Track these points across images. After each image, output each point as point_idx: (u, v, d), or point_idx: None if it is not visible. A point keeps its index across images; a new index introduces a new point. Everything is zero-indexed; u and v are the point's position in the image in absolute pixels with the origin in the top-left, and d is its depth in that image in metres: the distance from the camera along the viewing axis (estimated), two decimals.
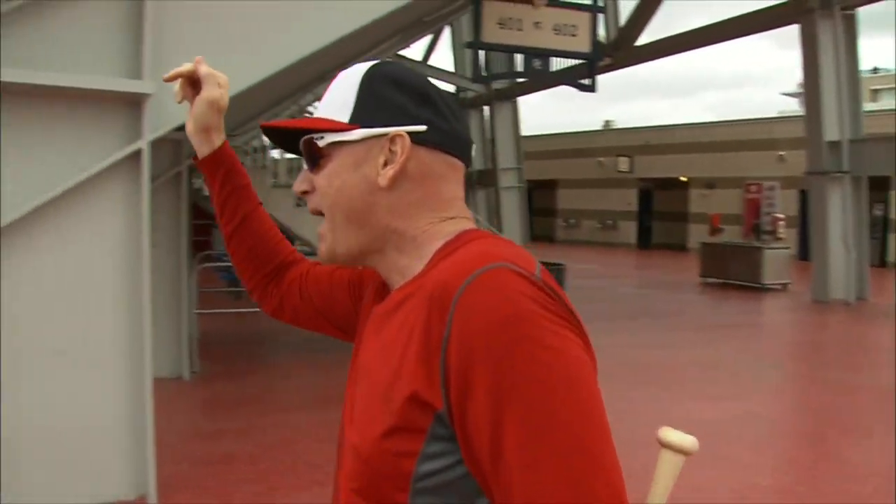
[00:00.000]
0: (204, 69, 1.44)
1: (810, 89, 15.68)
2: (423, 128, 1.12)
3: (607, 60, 16.35)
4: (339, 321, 1.45)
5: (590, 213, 35.06)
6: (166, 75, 1.45)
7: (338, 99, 1.16)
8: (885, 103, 48.49)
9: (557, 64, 11.15)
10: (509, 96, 24.78)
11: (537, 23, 10.64)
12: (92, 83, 4.70)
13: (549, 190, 36.61)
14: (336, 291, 1.45)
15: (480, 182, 26.35)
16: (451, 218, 1.15)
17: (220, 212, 1.56)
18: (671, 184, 31.49)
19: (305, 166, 1.19)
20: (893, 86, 55.54)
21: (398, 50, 11.91)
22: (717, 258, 19.03)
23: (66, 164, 4.70)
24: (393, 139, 1.11)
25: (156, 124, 4.86)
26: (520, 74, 11.29)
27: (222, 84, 1.45)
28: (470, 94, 25.66)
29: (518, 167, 25.40)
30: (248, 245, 1.56)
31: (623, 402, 7.45)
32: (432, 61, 25.03)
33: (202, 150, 1.50)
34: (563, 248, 31.33)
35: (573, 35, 10.86)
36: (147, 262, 4.97)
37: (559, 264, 9.90)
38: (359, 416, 1.08)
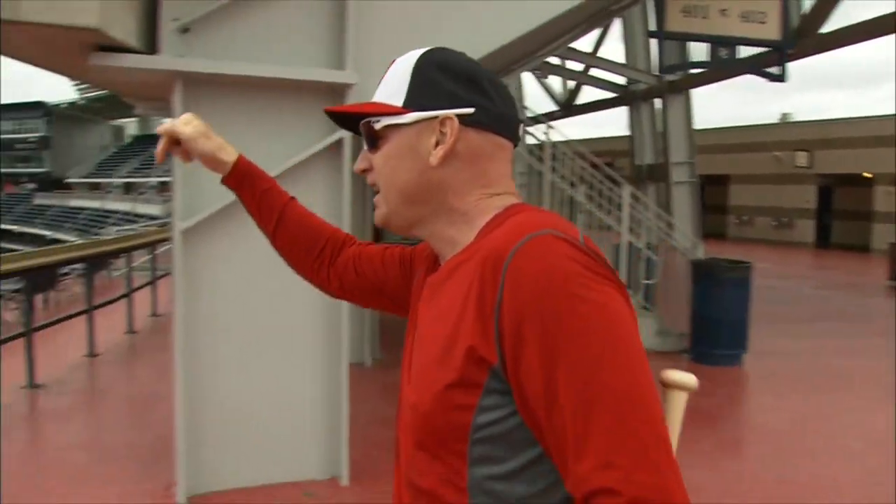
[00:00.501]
0: (165, 128, 1.63)
1: None
2: (470, 110, 1.22)
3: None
4: (393, 295, 1.57)
5: (764, 209, 33.63)
6: (158, 161, 1.67)
7: (392, 84, 1.27)
8: None
9: (743, 53, 10.69)
10: (682, 88, 24.04)
11: (723, 10, 10.22)
12: (298, 74, 4.83)
13: (721, 185, 35.37)
14: (389, 268, 1.58)
15: (651, 176, 25.72)
16: (499, 194, 1.26)
17: (257, 217, 1.71)
18: (854, 180, 29.78)
19: (365, 147, 1.31)
20: None
21: (571, 43, 11.70)
22: None
23: (273, 153, 4.84)
24: (443, 121, 1.22)
25: None
26: (705, 64, 10.86)
27: (187, 121, 1.63)
28: (641, 87, 25.08)
29: (690, 161, 24.63)
30: (291, 238, 1.68)
31: (819, 410, 7.05)
32: (603, 53, 24.48)
33: (222, 171, 1.67)
34: (734, 245, 30.22)
35: (762, 22, 10.38)
36: None
37: (745, 263, 9.45)
38: (416, 376, 1.20)
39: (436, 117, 1.23)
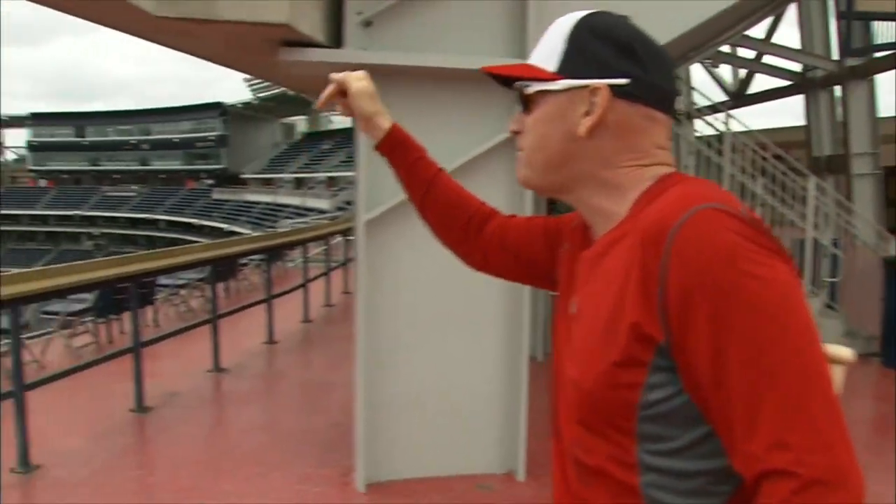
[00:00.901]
0: (338, 76, 1.65)
1: None
2: (623, 81, 1.18)
3: None
4: (537, 269, 1.54)
5: None
6: (319, 105, 1.73)
7: (548, 48, 1.24)
8: None
9: None
10: (865, 74, 22.70)
11: None
12: (480, 64, 4.78)
13: None
14: (534, 239, 1.55)
15: (829, 168, 24.46)
16: (652, 164, 1.21)
17: (406, 185, 1.72)
18: None
19: (520, 108, 1.29)
20: None
21: (745, 30, 11.21)
22: None
23: (455, 145, 4.84)
24: (593, 91, 1.19)
25: None
26: (892, 46, 10.20)
27: (360, 77, 1.65)
28: (818, 73, 23.86)
29: (874, 152, 23.26)
30: (438, 208, 1.68)
31: None
32: (776, 39, 23.44)
33: (377, 137, 1.69)
34: None
35: None
36: None
37: None
38: (579, 353, 1.17)
39: (586, 86, 1.20)
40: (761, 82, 27.00)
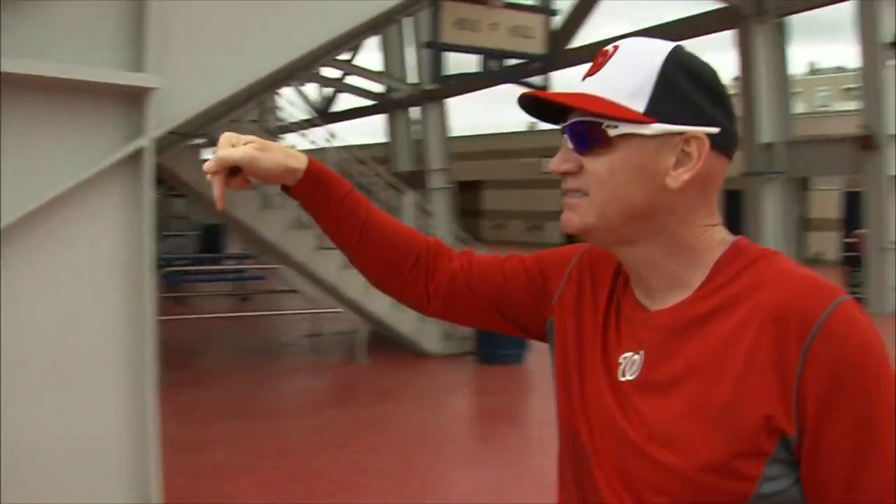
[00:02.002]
0: (212, 164, 1.28)
1: (746, 93, 16.09)
2: (716, 130, 1.08)
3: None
4: (515, 315, 1.38)
5: (516, 213, 35.32)
6: (220, 206, 1.31)
7: (629, 83, 1.08)
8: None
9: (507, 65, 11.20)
10: (439, 97, 24.75)
11: (494, 24, 10.62)
12: (90, 75, 4.46)
13: (476, 191, 36.74)
14: (513, 283, 1.37)
15: (409, 183, 26.24)
16: (716, 224, 1.14)
17: (335, 230, 1.42)
18: None
19: (569, 144, 1.12)
20: (801, 90, 57.69)
21: (339, 54, 11.73)
22: None
23: (63, 164, 4.45)
24: (688, 140, 1.07)
25: (159, 120, 4.64)
26: (477, 75, 11.27)
27: (232, 143, 1.30)
28: (398, 95, 25.55)
29: (446, 168, 25.41)
30: (378, 252, 1.41)
31: None
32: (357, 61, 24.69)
33: (291, 181, 1.36)
34: (490, 248, 31.47)
35: (529, 37, 10.89)
36: (149, 266, 4.76)
37: None
38: (677, 434, 1.05)
39: (682, 133, 1.07)
40: (346, 101, 28.29)
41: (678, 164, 1.07)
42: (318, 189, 1.37)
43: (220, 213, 9.75)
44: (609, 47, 1.12)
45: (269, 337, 11.24)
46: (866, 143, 14.11)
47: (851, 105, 26.39)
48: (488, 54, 10.67)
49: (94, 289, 4.70)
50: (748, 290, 1.06)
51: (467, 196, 36.82)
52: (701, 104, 1.08)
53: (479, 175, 36.00)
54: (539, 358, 9.37)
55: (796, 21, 17.49)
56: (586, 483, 1.16)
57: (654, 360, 1.10)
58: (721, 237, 1.13)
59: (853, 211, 17.21)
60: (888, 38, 13.87)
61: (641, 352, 1.12)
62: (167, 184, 11.49)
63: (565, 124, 1.12)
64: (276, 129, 11.26)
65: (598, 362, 1.18)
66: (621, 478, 1.10)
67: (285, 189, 1.38)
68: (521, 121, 39.54)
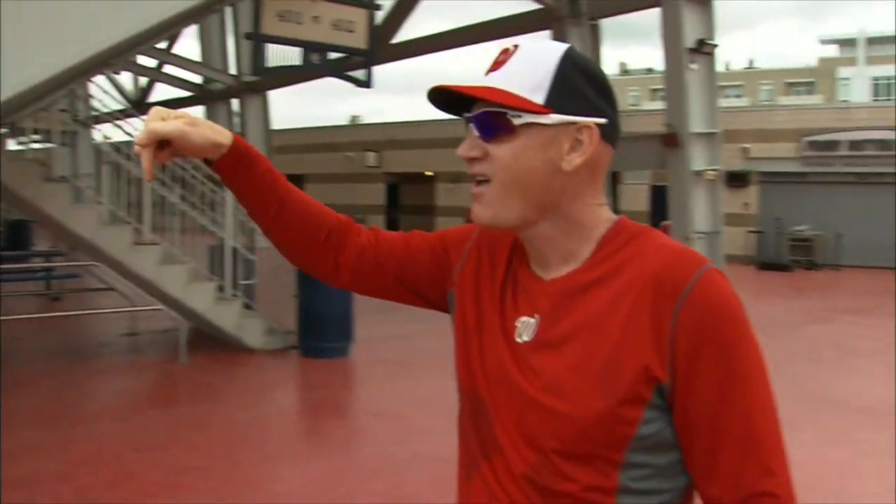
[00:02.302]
0: (146, 136, 1.31)
1: None
2: (604, 120, 1.25)
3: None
4: (418, 287, 1.50)
5: (339, 207, 35.01)
6: (148, 176, 1.35)
7: (530, 77, 1.22)
8: None
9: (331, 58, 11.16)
10: (259, 89, 24.33)
11: (316, 17, 10.57)
12: None
13: (298, 184, 36.20)
14: (417, 257, 1.49)
15: None
16: (603, 204, 1.31)
17: (254, 204, 1.47)
18: (418, 178, 32.30)
19: (475, 132, 1.25)
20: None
21: (157, 42, 11.28)
22: None
23: None
24: (580, 128, 1.23)
25: None
26: (299, 67, 11.15)
27: (162, 117, 1.34)
28: (218, 87, 24.93)
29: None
30: (293, 226, 1.49)
31: (431, 389, 7.61)
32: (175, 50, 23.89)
33: (215, 153, 1.39)
34: None
35: (351, 31, 10.90)
36: None
37: None
38: (567, 387, 1.21)
39: (575, 123, 1.22)
40: (164, 92, 27.33)
41: (571, 150, 1.23)
42: (241, 164, 1.41)
43: (28, 207, 9.24)
44: (510, 46, 1.27)
45: (84, 338, 10.75)
46: (670, 140, 14.98)
47: (659, 105, 27.78)
48: (310, 47, 10.60)
49: None
50: (629, 260, 1.23)
51: None
52: (591, 98, 1.24)
53: (301, 169, 35.68)
54: (363, 350, 9.46)
55: (610, 24, 18.37)
56: (487, 439, 1.30)
57: (548, 323, 1.26)
58: (607, 215, 1.30)
59: (659, 204, 18.23)
60: (690, 44, 14.78)
61: (536, 316, 1.28)
62: None
63: (470, 115, 1.25)
64: (88, 120, 10.72)
65: (496, 327, 1.32)
66: (519, 429, 1.25)
67: (208, 162, 1.42)
68: (343, 114, 39.45)
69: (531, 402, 1.24)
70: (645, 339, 1.18)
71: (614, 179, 26.77)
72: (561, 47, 1.25)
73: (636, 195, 27.63)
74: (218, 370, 8.67)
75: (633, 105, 56.65)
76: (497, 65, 1.25)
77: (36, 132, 10.29)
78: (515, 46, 1.26)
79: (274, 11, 10.17)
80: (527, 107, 1.21)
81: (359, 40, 10.96)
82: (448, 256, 1.47)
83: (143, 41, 7.03)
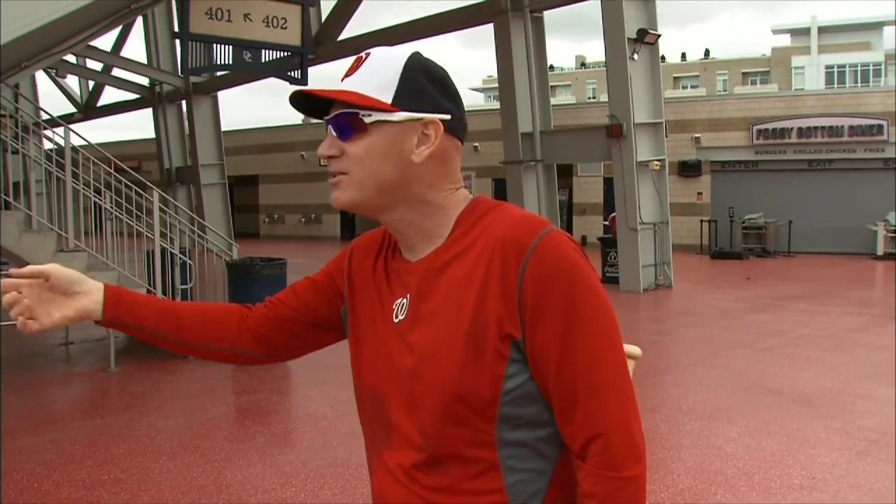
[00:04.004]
0: (30, 327, 1.51)
1: (505, 85, 16.65)
2: (447, 117, 1.38)
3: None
4: (327, 322, 1.62)
5: (293, 207, 34.93)
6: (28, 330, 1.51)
7: (378, 80, 1.35)
8: (562, 98, 52.91)
9: (267, 56, 10.97)
10: (208, 90, 24.03)
11: (247, 14, 10.41)
12: None
13: (251, 186, 36.04)
14: (307, 299, 1.62)
15: (180, 179, 25.36)
16: (458, 188, 1.44)
17: (153, 342, 1.62)
18: None
19: (333, 132, 1.38)
20: (570, 83, 60.60)
21: (91, 40, 11.01)
22: None
23: None
24: (427, 124, 1.36)
25: None
26: (230, 67, 10.96)
27: (13, 294, 1.49)
28: (167, 89, 24.58)
29: (220, 163, 24.74)
30: (198, 343, 1.62)
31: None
32: (124, 53, 23.52)
33: (93, 310, 1.54)
34: (268, 243, 31.00)
35: (284, 28, 10.73)
36: None
37: (280, 260, 9.73)
38: (438, 355, 1.33)
39: (421, 119, 1.35)
40: (113, 94, 26.90)
41: (420, 143, 1.36)
42: (121, 309, 1.56)
43: None
44: (363, 53, 1.39)
45: (18, 347, 10.47)
46: (614, 131, 14.98)
47: None
48: (241, 46, 10.42)
49: None
50: (482, 232, 1.35)
51: (244, 191, 36.12)
52: (435, 96, 1.37)
53: (254, 170, 35.35)
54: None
55: (567, 18, 18.33)
56: (385, 426, 1.42)
57: (417, 300, 1.39)
58: (464, 196, 1.43)
59: (611, 195, 18.24)
60: (631, 34, 14.77)
61: (408, 295, 1.41)
62: None
63: (328, 117, 1.37)
64: (34, 124, 10.42)
65: (378, 317, 1.45)
66: (406, 403, 1.37)
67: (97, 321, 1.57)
68: (297, 114, 39.25)
69: (411, 375, 1.36)
70: (497, 299, 1.29)
71: (569, 172, 26.80)
72: (407, 52, 1.39)
73: (591, 187, 27.71)
74: (148, 378, 8.45)
75: (590, 98, 56.90)
76: (351, 71, 1.38)
77: None
78: (367, 54, 1.39)
79: (202, 10, 9.98)
80: (376, 105, 1.33)
81: (293, 37, 10.80)
82: (334, 283, 1.59)
83: (53, 42, 6.84)
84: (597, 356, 1.30)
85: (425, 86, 1.36)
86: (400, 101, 1.34)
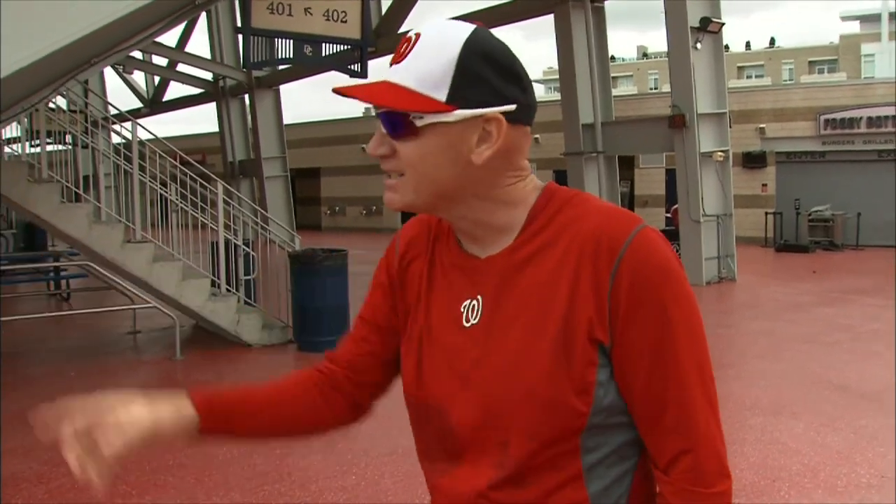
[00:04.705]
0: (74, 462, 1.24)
1: (565, 76, 16.54)
2: (513, 107, 1.19)
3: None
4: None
5: (354, 199, 35.20)
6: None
7: (431, 73, 1.16)
8: (624, 89, 52.42)
9: (327, 50, 11.07)
10: (271, 84, 24.32)
11: (307, 8, 10.51)
12: None
13: (313, 178, 36.40)
14: (389, 328, 1.44)
15: (243, 172, 25.72)
16: (525, 177, 1.27)
17: (256, 439, 1.55)
18: None
19: (382, 129, 1.21)
20: (632, 74, 60.01)
21: (156, 36, 11.28)
22: None
23: None
24: (488, 120, 1.18)
25: None
26: (290, 61, 11.08)
27: (73, 431, 1.25)
28: (230, 83, 24.94)
29: (282, 156, 25.03)
30: (303, 425, 1.49)
31: None
32: (188, 48, 23.93)
33: (187, 427, 1.34)
34: (329, 235, 31.27)
35: (344, 21, 10.82)
36: None
37: (342, 250, 9.82)
38: (517, 361, 1.21)
39: (481, 115, 1.18)
40: (178, 89, 27.39)
41: (480, 142, 1.19)
42: (223, 424, 1.39)
43: (22, 210, 9.23)
44: (412, 34, 1.20)
45: (90, 336, 10.76)
46: (677, 122, 14.78)
47: None
48: (303, 39, 10.53)
49: None
50: (565, 226, 1.22)
51: (305, 183, 36.49)
52: (497, 85, 1.18)
53: (316, 162, 35.68)
54: None
55: (628, 7, 18.14)
56: (450, 442, 1.28)
57: (493, 301, 1.25)
58: (533, 185, 1.28)
59: (673, 187, 18.01)
60: (694, 22, 14.56)
61: (479, 297, 1.26)
62: None
63: (379, 111, 1.20)
64: (103, 119, 10.67)
65: (441, 318, 1.31)
66: (481, 417, 1.24)
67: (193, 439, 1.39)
68: (358, 107, 39.50)
69: (488, 385, 1.23)
70: (587, 300, 1.18)
71: (630, 163, 26.53)
72: (463, 32, 1.18)
73: (653, 179, 27.39)
74: (211, 366, 8.63)
75: (652, 89, 56.19)
76: (400, 56, 1.20)
77: (49, 134, 10.28)
78: (417, 35, 1.20)
79: (264, 5, 10.11)
80: (428, 107, 1.16)
81: (352, 30, 10.88)
82: (395, 292, 1.43)
83: (119, 39, 6.97)
84: (688, 367, 1.19)
85: (486, 74, 1.16)
86: (455, 96, 1.16)
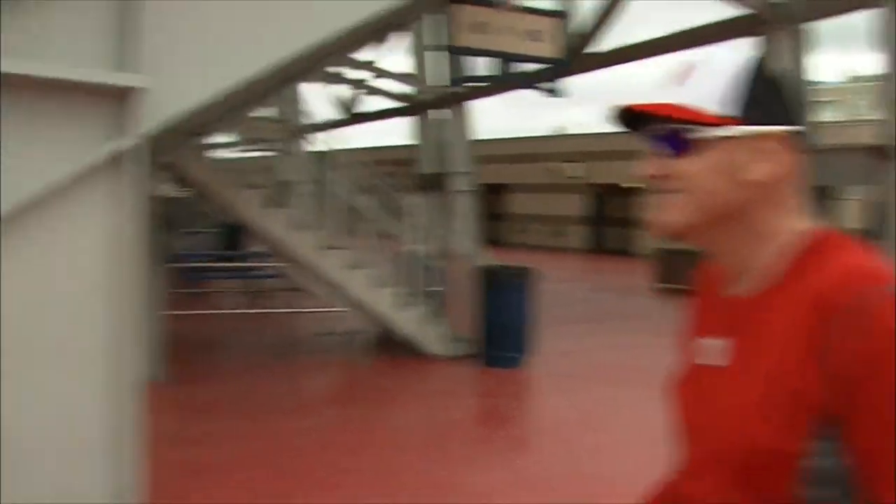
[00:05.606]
0: None
1: None
2: (795, 129, 1.21)
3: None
4: None
5: (539, 217, 35.20)
6: None
7: (713, 91, 1.20)
8: (827, 115, 49.84)
9: (524, 69, 11.17)
10: (461, 100, 24.71)
11: (509, 27, 10.62)
12: (73, 74, 4.50)
13: (499, 194, 36.70)
14: None
15: (433, 185, 26.23)
16: (792, 213, 1.23)
17: None
18: (620, 190, 31.73)
19: (660, 150, 1.23)
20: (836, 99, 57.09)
21: (352, 53, 11.76)
22: (672, 264, 19.12)
23: (47, 165, 4.49)
24: (767, 139, 1.19)
25: (151, 120, 4.67)
26: (490, 78, 11.28)
27: None
28: (424, 98, 25.56)
29: (471, 171, 25.38)
30: None
31: (602, 405, 7.43)
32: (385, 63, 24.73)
33: None
34: (513, 251, 31.40)
35: (541, 41, 10.86)
36: (134, 265, 4.78)
37: (528, 268, 9.83)
38: (749, 412, 1.15)
39: (762, 134, 1.20)
40: (373, 103, 28.32)
41: (757, 162, 1.19)
42: None
43: (227, 211, 9.81)
44: (696, 59, 1.24)
45: (282, 335, 11.30)
46: (877, 153, 13.87)
47: None
48: (503, 58, 10.65)
49: (73, 287, 4.74)
50: (809, 277, 1.16)
51: (493, 199, 36.78)
52: (776, 107, 1.21)
53: (504, 178, 35.93)
54: (542, 362, 9.35)
55: (833, 29, 17.23)
56: (687, 460, 1.31)
57: (734, 345, 1.23)
58: (802, 227, 1.23)
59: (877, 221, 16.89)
60: None
61: (724, 337, 1.25)
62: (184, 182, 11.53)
63: (655, 133, 1.23)
64: (301, 128, 11.25)
65: (692, 350, 1.33)
66: (711, 451, 1.23)
67: None
68: (546, 125, 39.48)
69: (708, 427, 1.24)
70: (804, 362, 1.11)
71: (824, 194, 25.15)
72: (742, 59, 1.23)
73: (850, 211, 25.85)
74: (395, 374, 8.86)
75: (860, 115, 53.10)
76: (679, 79, 1.23)
77: (249, 141, 10.92)
78: (696, 60, 1.24)
79: (468, 23, 10.29)
80: (711, 121, 1.19)
81: (548, 50, 10.90)
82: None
83: (326, 54, 7.30)
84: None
85: (765, 95, 1.20)
86: (738, 114, 1.19)
